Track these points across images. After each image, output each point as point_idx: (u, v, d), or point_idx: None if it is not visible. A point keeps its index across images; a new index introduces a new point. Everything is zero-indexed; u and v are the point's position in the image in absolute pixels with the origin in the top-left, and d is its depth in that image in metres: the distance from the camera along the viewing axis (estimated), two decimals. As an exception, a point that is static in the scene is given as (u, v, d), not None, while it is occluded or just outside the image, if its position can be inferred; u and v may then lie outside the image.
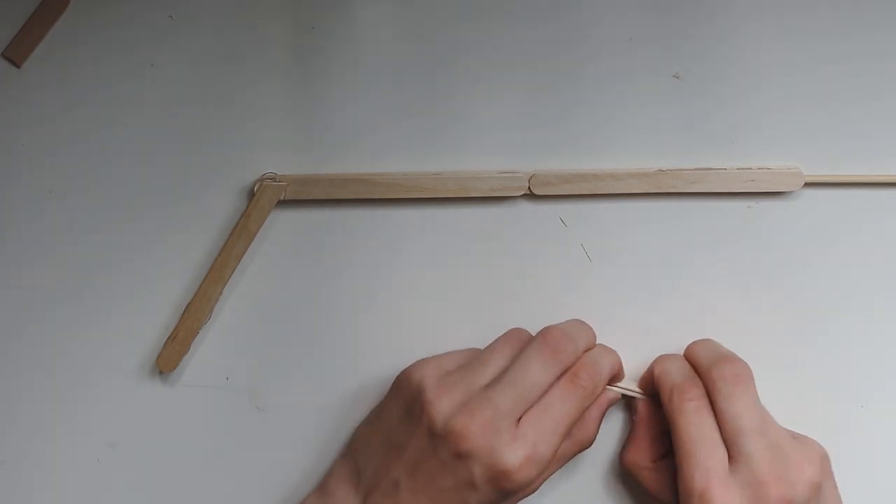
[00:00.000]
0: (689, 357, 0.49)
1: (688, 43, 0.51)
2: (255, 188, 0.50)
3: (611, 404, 0.49)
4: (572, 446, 0.48)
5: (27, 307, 0.51)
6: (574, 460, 0.49)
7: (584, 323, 0.50)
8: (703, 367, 0.47)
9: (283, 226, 0.51)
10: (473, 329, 0.51)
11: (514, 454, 0.44)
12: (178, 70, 0.51)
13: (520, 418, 0.45)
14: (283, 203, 0.50)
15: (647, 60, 0.51)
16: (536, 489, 0.47)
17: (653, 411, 0.49)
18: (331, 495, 0.48)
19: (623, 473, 0.51)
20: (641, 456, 0.49)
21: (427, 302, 0.51)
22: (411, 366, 0.48)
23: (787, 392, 0.51)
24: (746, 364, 0.47)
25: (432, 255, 0.51)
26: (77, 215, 0.51)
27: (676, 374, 0.47)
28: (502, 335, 0.49)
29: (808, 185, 0.51)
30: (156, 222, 0.51)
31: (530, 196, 0.51)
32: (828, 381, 0.50)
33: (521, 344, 0.48)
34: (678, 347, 0.51)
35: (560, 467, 0.48)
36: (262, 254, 0.51)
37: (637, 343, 0.51)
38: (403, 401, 0.47)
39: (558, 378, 0.47)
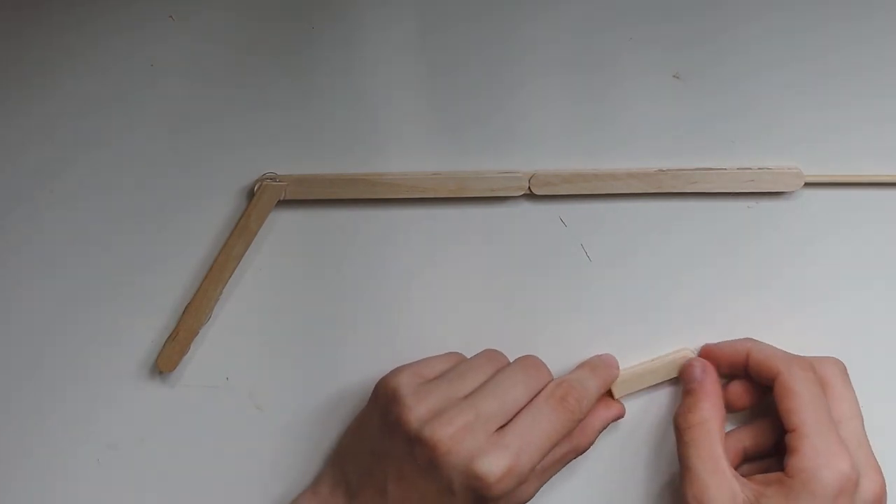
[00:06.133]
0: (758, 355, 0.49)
1: (688, 43, 0.51)
2: (255, 188, 0.50)
3: (615, 419, 0.50)
4: (571, 453, 0.48)
5: (28, 307, 0.51)
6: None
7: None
8: (807, 358, 0.48)
9: (283, 226, 0.51)
10: (473, 329, 0.51)
11: (495, 463, 0.44)
12: (177, 70, 0.51)
13: (499, 430, 0.45)
14: (283, 203, 0.50)
15: (647, 60, 0.51)
16: (531, 497, 0.46)
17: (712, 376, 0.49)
18: (321, 496, 0.48)
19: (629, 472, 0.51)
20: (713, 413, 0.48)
21: (427, 302, 0.51)
22: (389, 373, 0.48)
23: (787, 392, 0.51)
24: None
25: (432, 255, 0.51)
26: (77, 215, 0.51)
27: (783, 351, 0.49)
28: (481, 352, 0.49)
29: (808, 185, 0.51)
30: (156, 222, 0.51)
31: (530, 196, 0.51)
32: (828, 381, 0.50)
33: (500, 363, 0.49)
34: (678, 347, 0.51)
35: (555, 473, 0.48)
36: (262, 254, 0.51)
37: (637, 343, 0.51)
38: (381, 408, 0.47)
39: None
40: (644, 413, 0.51)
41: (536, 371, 0.48)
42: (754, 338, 0.50)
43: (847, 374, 0.48)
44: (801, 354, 0.49)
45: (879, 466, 0.46)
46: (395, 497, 0.45)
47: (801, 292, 0.51)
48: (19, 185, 0.51)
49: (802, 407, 0.45)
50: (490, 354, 0.49)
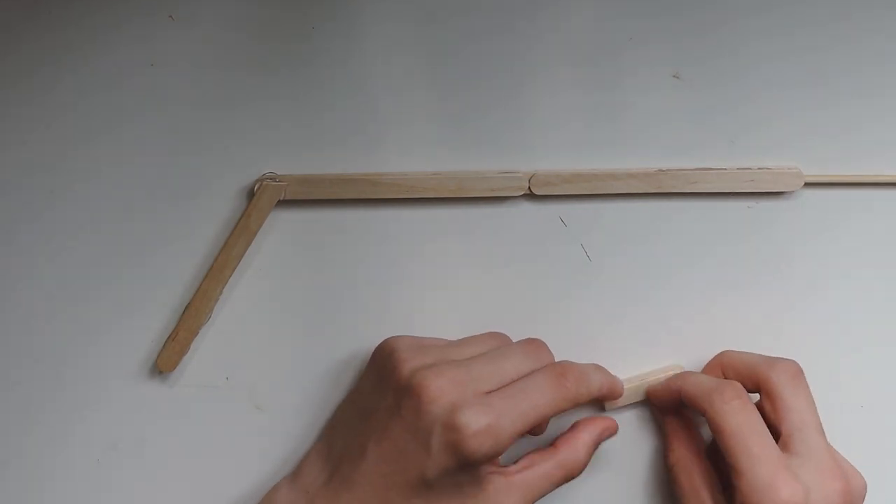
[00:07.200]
0: (728, 363, 0.49)
1: (688, 43, 0.51)
2: (255, 188, 0.50)
3: (607, 435, 0.49)
4: (558, 470, 0.47)
5: (27, 307, 0.51)
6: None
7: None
8: (759, 366, 0.47)
9: (283, 226, 0.51)
10: (473, 329, 0.51)
11: (475, 417, 0.43)
12: (177, 70, 0.51)
13: (489, 393, 0.45)
14: (283, 203, 0.50)
15: (647, 60, 0.51)
16: None
17: (679, 417, 0.50)
18: (301, 477, 0.47)
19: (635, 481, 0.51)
20: (688, 449, 0.49)
21: (427, 302, 0.51)
22: (388, 337, 0.48)
23: (787, 392, 0.50)
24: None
25: (432, 254, 0.51)
26: (77, 215, 0.51)
27: (708, 381, 0.47)
28: (485, 333, 0.49)
29: (808, 185, 0.51)
30: (156, 222, 0.51)
31: (530, 196, 0.51)
32: (828, 381, 0.50)
33: (501, 341, 0.49)
34: (678, 347, 0.51)
35: (544, 495, 0.47)
36: (262, 254, 0.51)
37: (637, 344, 0.51)
38: (377, 366, 0.47)
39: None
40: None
41: (538, 350, 0.48)
42: (753, 336, 0.50)
43: (801, 377, 0.47)
44: (799, 354, 0.49)
45: (841, 468, 0.45)
46: (372, 458, 0.44)
47: (800, 292, 0.51)
48: (19, 185, 0.51)
49: (731, 444, 0.45)
50: (494, 333, 0.49)
